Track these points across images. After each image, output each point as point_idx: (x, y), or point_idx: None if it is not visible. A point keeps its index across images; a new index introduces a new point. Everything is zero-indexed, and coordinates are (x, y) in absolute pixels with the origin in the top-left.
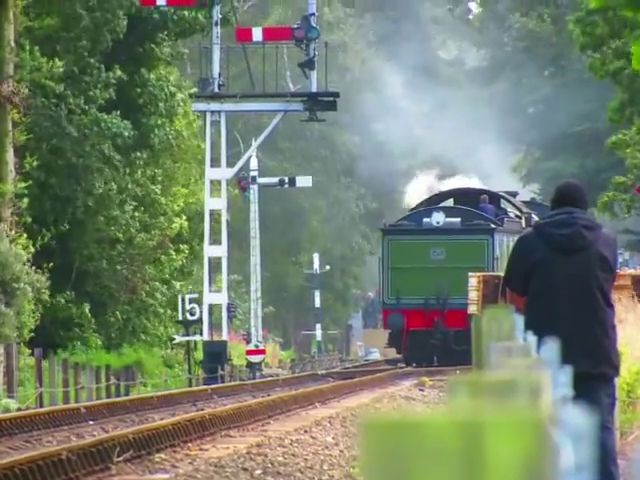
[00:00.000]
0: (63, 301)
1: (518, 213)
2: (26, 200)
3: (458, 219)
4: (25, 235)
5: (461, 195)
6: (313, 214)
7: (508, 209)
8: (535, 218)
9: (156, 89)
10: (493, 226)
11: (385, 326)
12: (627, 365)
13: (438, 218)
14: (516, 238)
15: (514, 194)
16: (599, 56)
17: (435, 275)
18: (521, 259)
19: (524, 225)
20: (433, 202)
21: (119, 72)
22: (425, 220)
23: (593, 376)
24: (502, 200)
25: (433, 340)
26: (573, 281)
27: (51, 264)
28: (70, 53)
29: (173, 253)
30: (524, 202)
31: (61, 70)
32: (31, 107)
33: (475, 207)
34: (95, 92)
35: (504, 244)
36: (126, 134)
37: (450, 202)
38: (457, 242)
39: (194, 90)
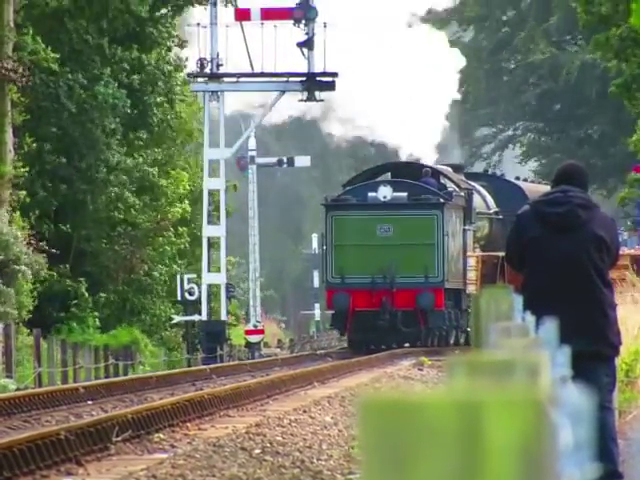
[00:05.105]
0: (60, 280)
1: (457, 188)
2: (22, 179)
3: (405, 194)
4: (19, 214)
5: (401, 168)
6: (310, 196)
7: (447, 184)
8: (482, 192)
9: (155, 70)
10: (442, 201)
11: (329, 306)
12: (625, 345)
13: (385, 192)
14: (460, 214)
15: (461, 167)
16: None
17: (382, 253)
18: (517, 237)
19: (465, 200)
20: (370, 176)
21: (135, 53)
22: (370, 194)
23: (590, 355)
24: (441, 175)
25: (380, 321)
26: (567, 260)
27: (50, 247)
28: (78, 33)
29: (173, 236)
30: (475, 174)
31: (57, 56)
32: (30, 82)
33: (416, 181)
34: (103, 71)
35: (453, 220)
36: (121, 104)
37: (388, 176)
38: (405, 218)
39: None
